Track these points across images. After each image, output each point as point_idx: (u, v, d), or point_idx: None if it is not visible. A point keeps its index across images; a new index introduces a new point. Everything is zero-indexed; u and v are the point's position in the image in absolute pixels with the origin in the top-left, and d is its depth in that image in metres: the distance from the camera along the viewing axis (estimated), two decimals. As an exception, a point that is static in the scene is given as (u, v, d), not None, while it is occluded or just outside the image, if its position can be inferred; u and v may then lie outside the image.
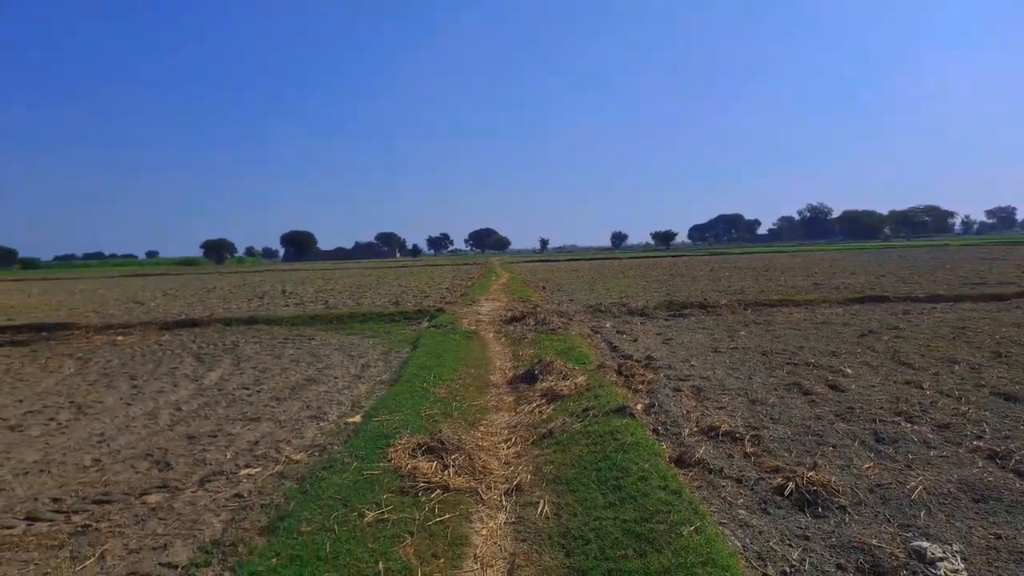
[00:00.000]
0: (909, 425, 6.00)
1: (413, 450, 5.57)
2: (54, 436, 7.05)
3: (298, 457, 5.93)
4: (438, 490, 4.82)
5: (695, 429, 6.11)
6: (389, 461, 5.38)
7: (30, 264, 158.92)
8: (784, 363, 9.08)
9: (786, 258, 52.04)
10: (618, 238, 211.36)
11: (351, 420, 7.09)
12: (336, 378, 9.60)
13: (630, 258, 74.93)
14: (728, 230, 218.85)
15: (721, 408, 6.84)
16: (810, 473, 4.67)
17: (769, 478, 4.82)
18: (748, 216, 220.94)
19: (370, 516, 4.35)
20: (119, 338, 14.98)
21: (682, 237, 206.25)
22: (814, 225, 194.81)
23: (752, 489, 4.68)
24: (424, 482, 4.94)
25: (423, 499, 4.66)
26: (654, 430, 6.13)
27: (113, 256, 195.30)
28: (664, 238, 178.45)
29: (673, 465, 5.11)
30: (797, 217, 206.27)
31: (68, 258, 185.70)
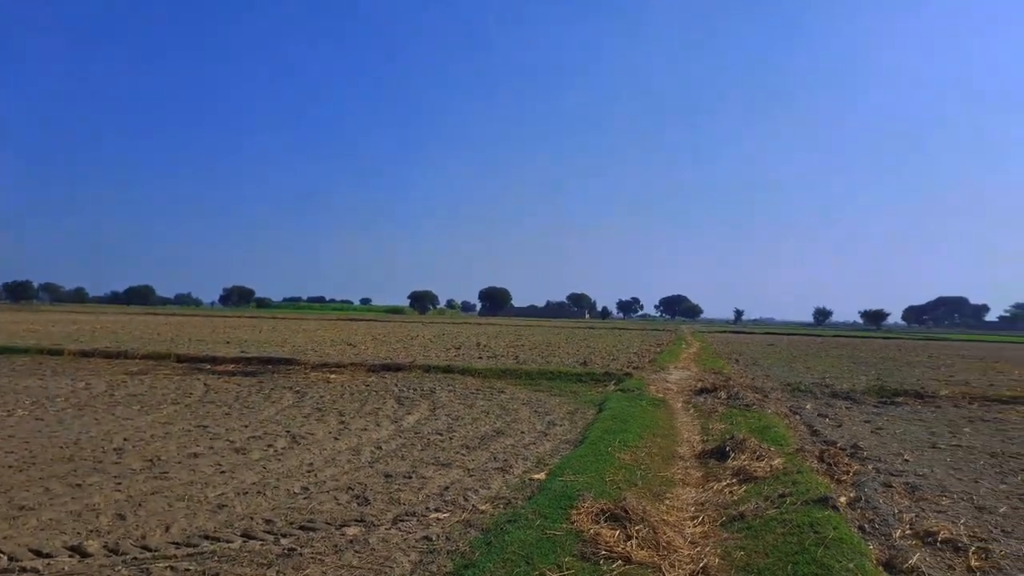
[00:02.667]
0: None
1: (596, 515, 5.49)
2: (271, 461, 7.61)
3: (484, 507, 6.05)
4: (619, 560, 4.70)
5: (908, 532, 5.51)
6: (571, 523, 5.34)
7: (263, 303, 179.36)
8: (1020, 469, 7.98)
9: (1023, 350, 45.95)
10: (821, 314, 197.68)
11: (535, 476, 7.14)
12: (523, 432, 9.76)
13: (835, 336, 70.00)
14: (950, 314, 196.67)
15: (940, 512, 6.12)
16: (1053, 601, 4.04)
17: (999, 600, 4.22)
18: (974, 300, 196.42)
19: (551, 577, 4.33)
20: (332, 376, 16.29)
21: (895, 318, 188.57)
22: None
23: (977, 610, 4.12)
24: (606, 550, 4.83)
25: (604, 567, 4.56)
26: (860, 527, 5.61)
27: (332, 300, 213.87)
28: (874, 317, 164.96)
29: (882, 569, 4.64)
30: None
31: (295, 300, 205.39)
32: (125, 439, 8.64)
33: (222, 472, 7.08)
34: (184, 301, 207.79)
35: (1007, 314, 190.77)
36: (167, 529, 5.27)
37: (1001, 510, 6.22)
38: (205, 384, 14.52)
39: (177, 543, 4.99)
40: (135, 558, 4.69)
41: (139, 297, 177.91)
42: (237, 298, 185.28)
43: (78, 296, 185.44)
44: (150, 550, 4.84)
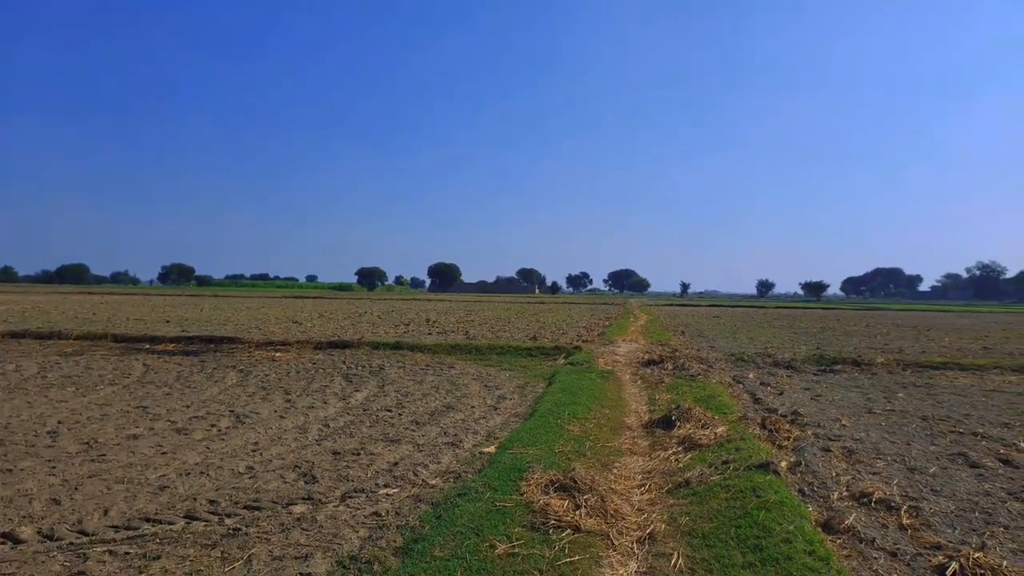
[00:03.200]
0: (1099, 513, 5.33)
1: (545, 486, 5.55)
2: (214, 441, 7.49)
3: (434, 482, 6.06)
4: (569, 529, 4.76)
5: (845, 493, 5.71)
6: (521, 495, 5.39)
7: (204, 281, 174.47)
8: (948, 431, 8.35)
9: (952, 318, 47.94)
10: (764, 286, 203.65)
11: (485, 450, 7.17)
12: (473, 407, 9.79)
13: (776, 307, 71.91)
14: (886, 284, 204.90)
15: (875, 474, 6.36)
16: (977, 554, 4.23)
17: (928, 555, 4.41)
18: (909, 271, 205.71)
19: (501, 548, 4.35)
20: (277, 354, 16.01)
21: (834, 289, 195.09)
22: (984, 285, 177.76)
23: (908, 565, 4.30)
24: (555, 520, 4.89)
25: (553, 537, 4.61)
26: (800, 490, 5.79)
27: (277, 278, 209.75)
28: (814, 289, 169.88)
29: (820, 529, 4.80)
30: (965, 275, 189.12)
31: (237, 277, 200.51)
32: (59, 422, 8.36)
33: (163, 453, 6.93)
34: (121, 280, 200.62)
35: (939, 284, 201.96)
36: (105, 513, 5.14)
37: (931, 470, 6.50)
38: (144, 364, 14.12)
39: (116, 527, 4.88)
40: (71, 543, 4.57)
41: (72, 276, 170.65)
42: (177, 276, 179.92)
43: (6, 275, 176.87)
44: (87, 535, 4.72)
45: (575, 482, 5.54)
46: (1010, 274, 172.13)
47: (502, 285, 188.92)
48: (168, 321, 25.91)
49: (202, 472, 6.29)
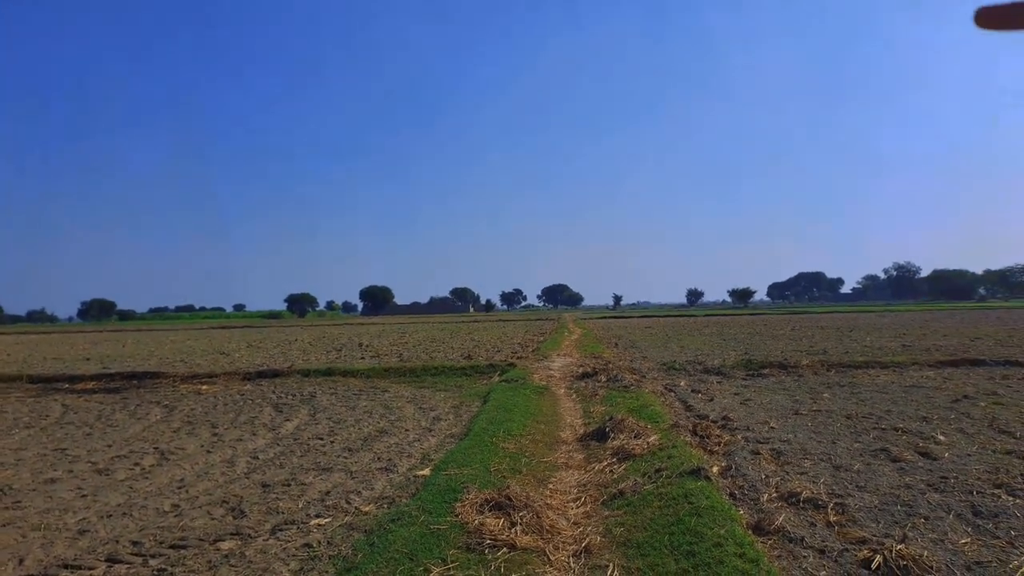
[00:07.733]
0: (1011, 499, 5.56)
1: (480, 506, 5.50)
2: (138, 480, 7.24)
3: (367, 509, 5.94)
4: (504, 548, 4.72)
5: (774, 495, 5.83)
6: (456, 516, 5.32)
7: (126, 315, 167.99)
8: (870, 428, 8.64)
9: (872, 318, 50.03)
10: (694, 295, 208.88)
11: (420, 473, 7.07)
12: (407, 430, 9.65)
13: (706, 316, 73.75)
14: (809, 288, 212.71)
15: (802, 473, 6.53)
16: (900, 546, 4.36)
17: (854, 550, 4.52)
18: (830, 274, 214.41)
19: (435, 572, 4.29)
20: (203, 387, 15.50)
21: (760, 295, 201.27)
22: (901, 284, 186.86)
23: (836, 561, 4.39)
24: (491, 539, 4.84)
25: (489, 556, 4.57)
26: (731, 494, 5.88)
27: (203, 309, 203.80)
28: (742, 296, 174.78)
29: (751, 532, 4.87)
30: (883, 276, 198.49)
31: (161, 310, 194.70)
32: (-32, 470, 7.95)
33: (83, 496, 6.70)
34: (37, 318, 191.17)
35: (859, 286, 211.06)
36: (21, 562, 4.94)
37: (856, 467, 6.71)
38: (63, 404, 13.51)
39: (32, 576, 4.69)
40: (-19, 596, 4.36)
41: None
42: (97, 312, 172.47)
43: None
44: (0, 586, 4.53)
45: (510, 500, 5.50)
46: (924, 273, 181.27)
47: (436, 305, 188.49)
48: (88, 359, 24.83)
49: (124, 513, 6.08)
